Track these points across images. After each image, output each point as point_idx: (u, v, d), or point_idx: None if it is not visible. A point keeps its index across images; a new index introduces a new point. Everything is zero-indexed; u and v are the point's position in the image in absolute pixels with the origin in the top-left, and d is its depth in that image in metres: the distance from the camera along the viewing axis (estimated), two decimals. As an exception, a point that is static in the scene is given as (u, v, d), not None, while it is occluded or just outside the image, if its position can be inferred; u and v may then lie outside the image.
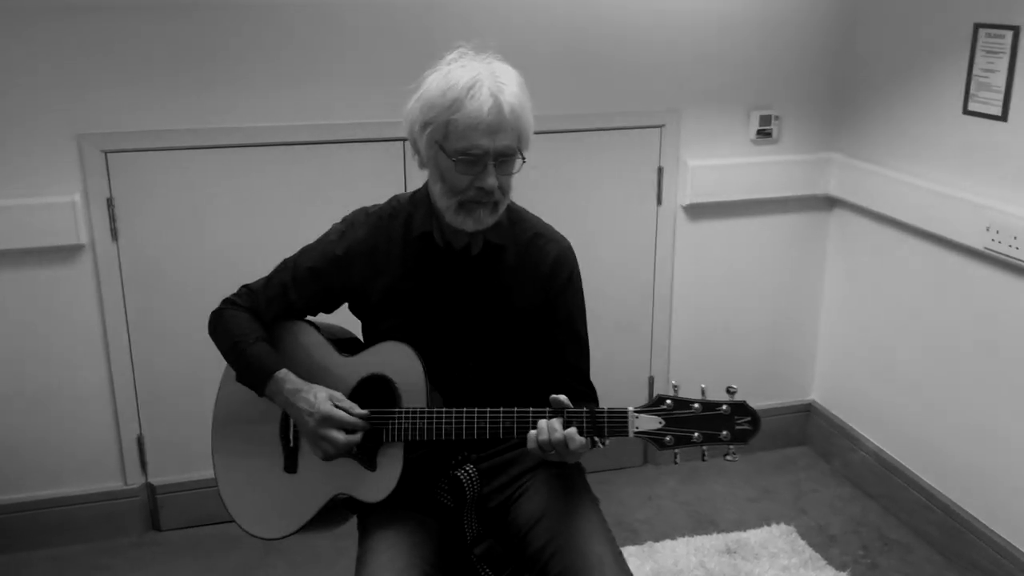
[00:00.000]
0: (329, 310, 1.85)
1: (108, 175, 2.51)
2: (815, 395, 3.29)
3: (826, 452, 3.22)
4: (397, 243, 1.75)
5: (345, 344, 1.81)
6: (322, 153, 2.63)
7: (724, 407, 1.53)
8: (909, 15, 2.68)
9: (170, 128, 2.52)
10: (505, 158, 1.63)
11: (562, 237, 1.84)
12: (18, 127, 2.42)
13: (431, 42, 2.57)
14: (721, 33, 2.82)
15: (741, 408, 1.53)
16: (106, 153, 2.49)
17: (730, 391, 1.55)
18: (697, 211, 2.98)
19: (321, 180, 2.63)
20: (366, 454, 1.67)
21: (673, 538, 2.76)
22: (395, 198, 1.82)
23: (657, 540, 2.75)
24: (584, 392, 1.83)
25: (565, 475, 1.78)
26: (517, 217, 1.81)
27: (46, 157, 2.46)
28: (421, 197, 1.76)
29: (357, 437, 1.64)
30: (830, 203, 3.08)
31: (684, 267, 3.03)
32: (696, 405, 1.53)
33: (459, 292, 1.74)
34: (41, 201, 2.47)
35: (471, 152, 1.59)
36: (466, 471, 1.74)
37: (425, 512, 1.74)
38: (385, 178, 2.66)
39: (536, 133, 2.72)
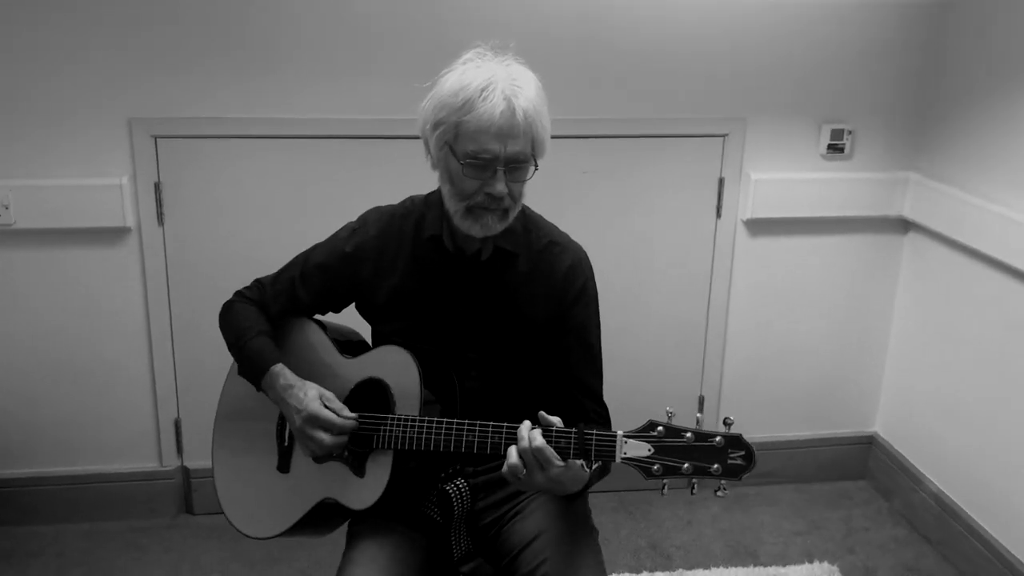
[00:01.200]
0: (337, 308, 1.81)
1: (157, 160, 2.53)
2: (878, 427, 3.10)
3: (886, 489, 3.03)
4: (407, 244, 1.71)
5: (349, 346, 1.77)
6: (371, 148, 2.60)
7: (718, 439, 1.42)
8: (1009, 27, 2.47)
9: (220, 116, 2.52)
10: (516, 164, 1.56)
11: (578, 247, 1.76)
12: (71, 109, 2.46)
13: (482, 41, 2.53)
14: (793, 38, 2.66)
15: (736, 441, 1.42)
16: (156, 138, 2.51)
17: (726, 422, 1.44)
18: (759, 226, 2.83)
19: (368, 175, 2.60)
20: (357, 459, 1.63)
21: (707, 567, 2.64)
22: (410, 198, 1.78)
23: (690, 568, 2.63)
24: (594, 411, 1.74)
25: (565, 499, 1.68)
26: (532, 224, 1.74)
27: (97, 140, 2.49)
28: (435, 199, 1.71)
29: (343, 439, 1.60)
30: (904, 226, 2.88)
31: (742, 284, 2.89)
32: (688, 435, 1.42)
33: (466, 298, 1.68)
34: (90, 183, 2.50)
35: (480, 156, 1.52)
36: (456, 486, 1.67)
37: (413, 527, 1.68)
38: (432, 175, 2.60)
39: (592, 137, 2.70)
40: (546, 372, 1.71)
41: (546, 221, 1.78)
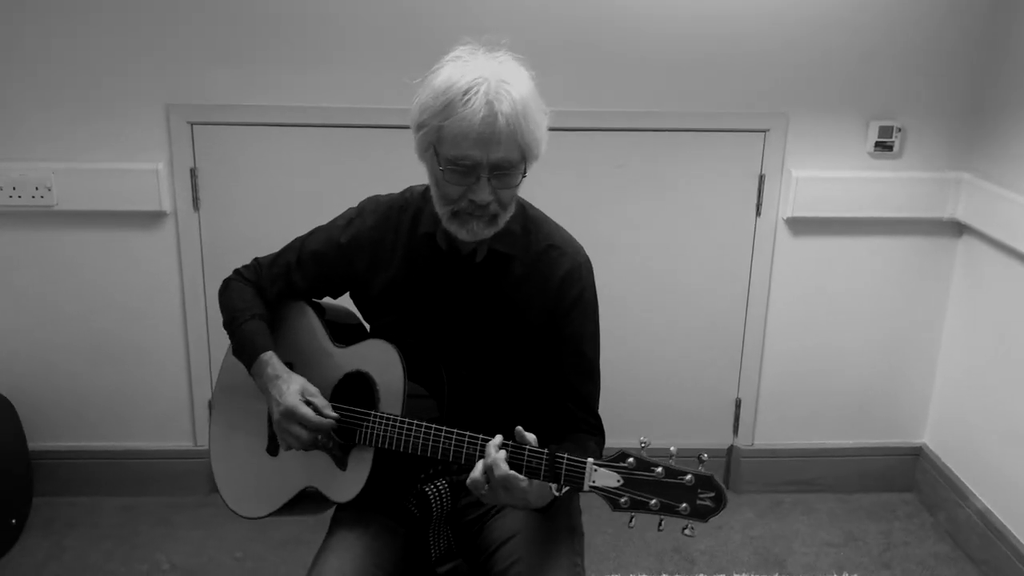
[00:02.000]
0: (334, 295, 1.82)
1: (193, 146, 2.58)
2: (927, 439, 2.97)
3: (931, 503, 2.90)
4: (403, 238, 1.68)
5: (344, 331, 1.75)
6: (403, 137, 2.56)
7: (688, 477, 1.35)
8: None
9: (255, 104, 2.55)
10: (502, 171, 1.48)
11: (579, 251, 1.68)
12: (111, 95, 2.52)
13: (526, 32, 2.50)
14: (840, 30, 2.55)
15: (706, 482, 1.35)
16: (192, 124, 2.56)
17: (701, 459, 1.37)
18: (800, 225, 2.73)
19: (400, 163, 2.55)
20: (341, 451, 1.63)
21: (729, 574, 2.56)
22: (409, 189, 1.75)
23: (711, 574, 2.56)
24: (586, 421, 1.68)
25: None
26: (534, 225, 1.67)
27: (135, 124, 2.55)
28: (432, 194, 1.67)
29: (322, 435, 1.59)
30: (957, 229, 2.74)
31: (782, 284, 2.79)
32: (659, 469, 1.36)
33: (458, 299, 1.65)
34: (128, 167, 2.57)
35: (461, 163, 1.47)
36: (436, 487, 1.65)
37: (396, 519, 1.67)
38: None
39: (627, 130, 2.64)
40: (538, 377, 1.67)
41: (550, 223, 1.70)
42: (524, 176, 1.53)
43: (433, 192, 1.57)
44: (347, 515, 1.66)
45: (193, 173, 2.60)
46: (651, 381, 2.89)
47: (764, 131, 2.64)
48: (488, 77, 1.45)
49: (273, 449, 1.73)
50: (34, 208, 2.57)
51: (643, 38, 2.54)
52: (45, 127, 2.54)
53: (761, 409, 2.92)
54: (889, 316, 2.84)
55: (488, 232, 1.54)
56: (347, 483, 1.60)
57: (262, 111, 2.56)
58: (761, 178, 2.68)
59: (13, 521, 2.64)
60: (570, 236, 1.70)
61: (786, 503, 2.93)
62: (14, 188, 2.54)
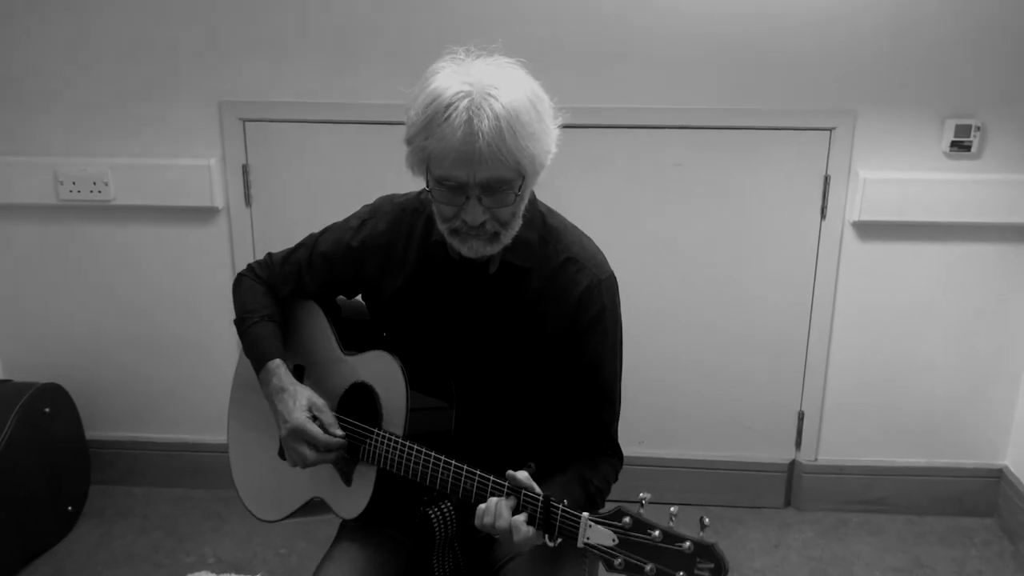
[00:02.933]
0: (348, 296, 1.77)
1: (245, 142, 2.59)
2: (1009, 461, 2.76)
3: (1012, 530, 2.69)
4: (415, 243, 1.59)
5: (356, 334, 1.69)
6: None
7: (687, 544, 1.24)
8: None
9: (306, 101, 2.55)
10: (494, 190, 1.37)
11: (601, 266, 1.55)
12: (163, 90, 2.56)
13: (576, 27, 2.43)
14: (913, 20, 2.39)
15: (707, 551, 1.24)
16: (244, 121, 2.58)
17: (703, 524, 1.26)
18: (869, 230, 2.57)
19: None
20: (347, 466, 1.58)
21: (783, 597, 2.44)
22: (425, 190, 1.68)
23: (763, 596, 2.45)
24: (601, 446, 1.58)
25: None
26: (554, 236, 1.54)
27: (188, 121, 2.58)
28: None
29: (330, 456, 1.55)
30: (1043, 236, 2.55)
31: (849, 292, 2.64)
32: (656, 533, 1.26)
33: (470, 310, 1.56)
34: (182, 163, 2.60)
35: (447, 183, 1.37)
36: (440, 510, 1.57)
37: (404, 531, 1.62)
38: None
39: (686, 127, 2.53)
40: (552, 396, 1.57)
41: (572, 233, 1.58)
42: (520, 192, 1.40)
43: (433, 208, 1.47)
44: (354, 523, 1.62)
45: (245, 169, 2.62)
46: (709, 391, 2.77)
47: (830, 129, 2.50)
48: (473, 89, 1.33)
49: (284, 453, 1.70)
50: (92, 203, 2.63)
51: (702, 33, 2.43)
52: (103, 124, 2.60)
53: (826, 423, 2.77)
54: (966, 327, 2.65)
55: (491, 249, 1.44)
56: (352, 499, 1.56)
57: (312, 108, 2.55)
58: (826, 179, 2.54)
59: (69, 508, 2.71)
60: (595, 248, 1.58)
61: (851, 523, 2.77)
62: (74, 183, 2.60)
